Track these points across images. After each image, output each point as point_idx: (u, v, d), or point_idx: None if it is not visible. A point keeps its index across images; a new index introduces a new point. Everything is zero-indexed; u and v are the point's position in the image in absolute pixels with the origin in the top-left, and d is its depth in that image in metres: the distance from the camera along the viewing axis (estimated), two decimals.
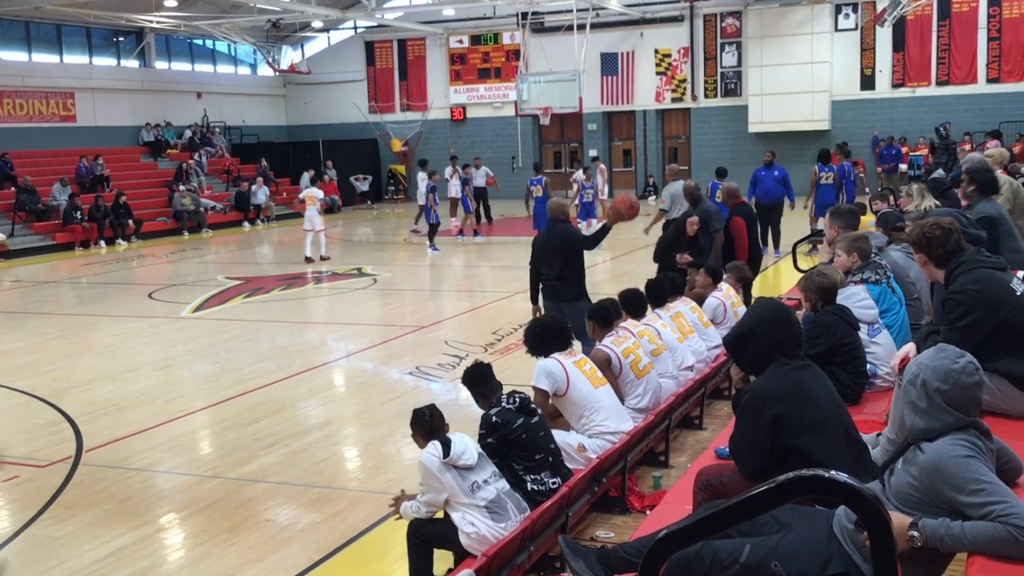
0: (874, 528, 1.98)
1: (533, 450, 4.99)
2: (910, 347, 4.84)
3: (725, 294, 8.53)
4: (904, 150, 27.24)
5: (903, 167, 26.59)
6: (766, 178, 16.83)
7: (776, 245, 16.87)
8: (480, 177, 24.22)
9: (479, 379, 5.24)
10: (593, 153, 30.69)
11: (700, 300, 8.46)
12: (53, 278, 18.96)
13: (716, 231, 10.92)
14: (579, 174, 22.54)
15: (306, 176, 28.46)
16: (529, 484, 4.90)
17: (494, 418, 4.96)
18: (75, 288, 17.99)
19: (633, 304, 7.22)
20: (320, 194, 19.96)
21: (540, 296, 8.72)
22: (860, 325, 5.82)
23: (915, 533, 3.16)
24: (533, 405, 5.19)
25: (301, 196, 20.20)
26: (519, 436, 4.94)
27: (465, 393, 5.46)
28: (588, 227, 20.29)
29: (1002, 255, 6.31)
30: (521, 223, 22.19)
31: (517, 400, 5.06)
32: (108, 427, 8.24)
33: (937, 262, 4.98)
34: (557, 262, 8.48)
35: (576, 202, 21.31)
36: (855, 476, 2.36)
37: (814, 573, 3.20)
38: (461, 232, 22.39)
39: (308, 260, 18.91)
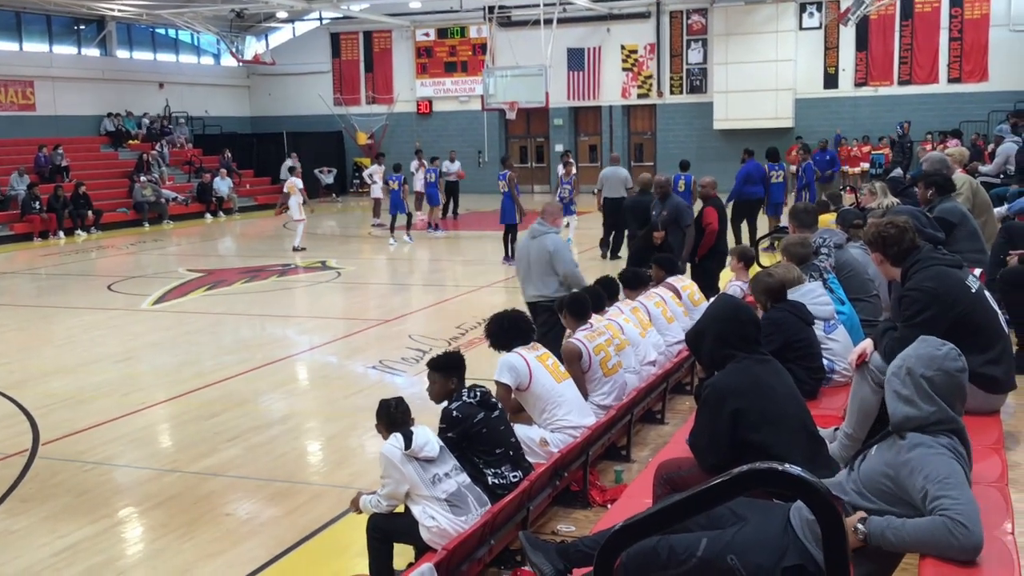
0: (826, 520, 2.01)
1: (493, 444, 4.99)
2: (867, 343, 4.91)
3: (685, 285, 8.60)
4: (850, 152, 27.43)
5: (864, 166, 26.86)
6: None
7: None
8: (454, 171, 24.30)
9: (454, 366, 5.18)
10: (560, 148, 30.73)
11: None
12: (11, 269, 18.65)
13: (687, 226, 10.93)
14: (560, 169, 22.49)
15: (285, 164, 28.28)
16: (490, 478, 4.90)
17: (455, 412, 4.94)
18: (33, 279, 17.73)
19: (598, 297, 7.24)
20: (299, 183, 19.78)
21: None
22: (815, 321, 5.88)
23: (860, 526, 3.21)
24: (493, 399, 5.18)
25: (285, 188, 20.18)
26: (479, 431, 4.93)
27: None
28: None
29: (963, 255, 6.42)
30: (488, 217, 22.16)
31: (478, 394, 5.05)
32: (66, 420, 8.13)
33: (893, 260, 5.05)
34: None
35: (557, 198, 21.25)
36: (812, 470, 2.39)
37: (770, 566, 3.23)
38: (430, 225, 22.37)
39: (295, 250, 19.05)
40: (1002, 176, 14.02)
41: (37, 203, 22.77)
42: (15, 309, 13.98)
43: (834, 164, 23.69)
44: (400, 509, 4.67)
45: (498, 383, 5.69)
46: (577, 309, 6.67)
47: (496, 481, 4.90)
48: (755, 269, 8.89)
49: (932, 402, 3.34)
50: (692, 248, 10.95)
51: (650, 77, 31.50)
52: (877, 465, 3.39)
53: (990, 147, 18.78)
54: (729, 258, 9.58)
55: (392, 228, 20.41)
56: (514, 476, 4.98)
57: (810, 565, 3.21)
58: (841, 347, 5.95)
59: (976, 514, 3.13)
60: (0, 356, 10.72)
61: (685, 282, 8.82)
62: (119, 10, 27.98)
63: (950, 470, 3.21)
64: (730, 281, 9.16)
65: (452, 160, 24.74)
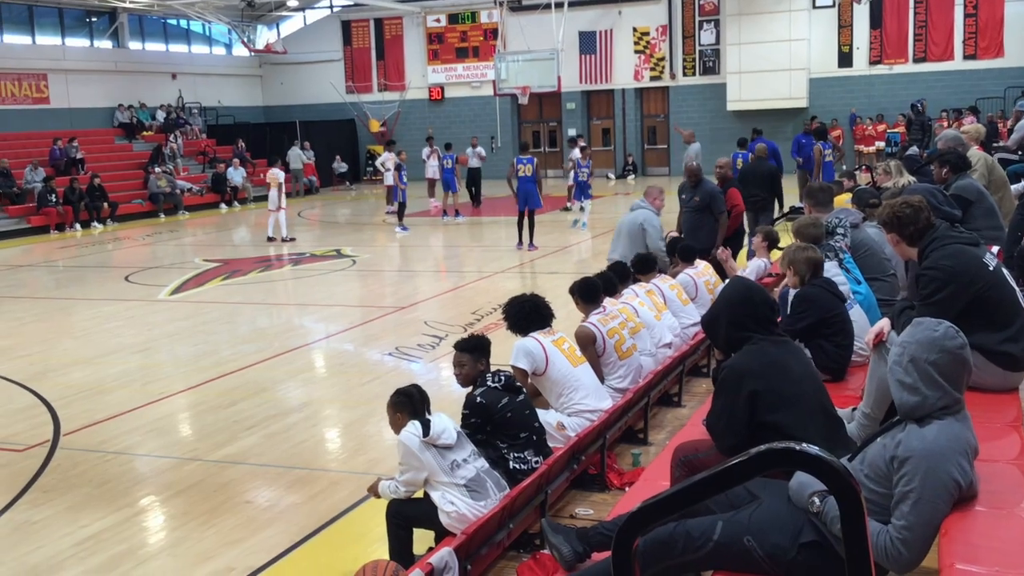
0: (844, 499, 2.00)
1: (518, 428, 4.99)
2: (884, 322, 4.87)
3: (700, 272, 8.57)
4: (865, 131, 27.17)
5: (879, 145, 26.65)
6: None
7: None
8: (474, 157, 24.17)
9: (482, 348, 5.17)
10: (572, 132, 30.64)
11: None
12: (28, 262, 18.79)
13: (720, 213, 10.72)
14: (575, 152, 22.48)
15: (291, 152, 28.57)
16: (511, 462, 4.91)
17: (479, 399, 4.94)
18: (51, 272, 17.84)
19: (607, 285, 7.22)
20: (280, 175, 19.60)
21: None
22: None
23: (816, 500, 3.22)
24: (518, 383, 5.18)
25: (267, 179, 20.21)
26: (504, 415, 4.93)
27: (446, 373, 5.43)
28: (576, 206, 20.27)
29: (981, 232, 6.37)
30: (502, 203, 22.13)
31: (502, 379, 5.04)
32: (86, 411, 8.19)
33: (909, 240, 5.01)
34: (766, 187, 13.10)
35: (571, 181, 21.26)
36: (831, 450, 2.38)
37: (787, 544, 3.22)
38: (445, 213, 22.42)
39: (270, 240, 19.17)
40: (1020, 152, 13.85)
41: (53, 196, 22.89)
42: (33, 301, 14.07)
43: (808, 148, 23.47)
44: (419, 494, 4.68)
45: (515, 368, 5.69)
46: (587, 294, 6.67)
47: (517, 466, 4.91)
48: (776, 254, 8.87)
49: (936, 387, 3.30)
50: (727, 233, 10.86)
51: (662, 59, 31.34)
52: (883, 451, 3.38)
53: (1008, 122, 18.57)
54: (754, 237, 9.57)
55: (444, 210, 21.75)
56: (536, 461, 4.98)
57: (823, 541, 3.21)
58: (858, 327, 5.92)
59: (920, 540, 3.16)
60: (20, 348, 10.81)
61: (700, 267, 8.79)
62: (131, 1, 28.04)
63: (942, 505, 3.18)
64: (752, 260, 9.17)
65: (474, 146, 24.62)
